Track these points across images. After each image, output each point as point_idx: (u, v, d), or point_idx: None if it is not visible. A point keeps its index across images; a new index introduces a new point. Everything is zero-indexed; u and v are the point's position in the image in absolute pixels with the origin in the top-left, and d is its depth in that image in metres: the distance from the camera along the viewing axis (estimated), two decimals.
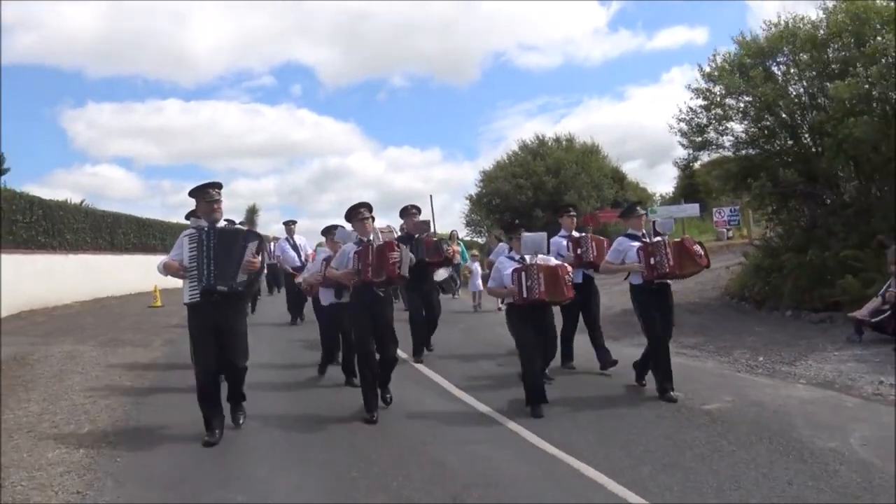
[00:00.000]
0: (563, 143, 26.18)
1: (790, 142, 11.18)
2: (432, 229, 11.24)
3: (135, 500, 3.90)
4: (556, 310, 6.55)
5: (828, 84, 9.72)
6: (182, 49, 64.82)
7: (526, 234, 6.00)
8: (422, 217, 8.77)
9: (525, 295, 5.68)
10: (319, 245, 9.54)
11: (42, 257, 15.74)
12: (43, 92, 59.68)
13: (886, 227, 9.32)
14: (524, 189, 24.01)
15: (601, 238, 7.54)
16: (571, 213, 7.82)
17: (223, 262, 4.98)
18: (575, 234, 7.59)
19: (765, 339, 8.82)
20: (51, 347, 9.42)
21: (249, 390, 5.79)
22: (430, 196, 20.88)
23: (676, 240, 6.19)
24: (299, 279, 9.15)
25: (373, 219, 6.04)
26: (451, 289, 13.56)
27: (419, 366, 7.82)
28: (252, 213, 52.18)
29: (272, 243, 13.15)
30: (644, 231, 6.42)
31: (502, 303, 6.66)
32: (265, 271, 5.78)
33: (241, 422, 5.39)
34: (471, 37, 67.23)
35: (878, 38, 9.22)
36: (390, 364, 5.90)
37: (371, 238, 5.90)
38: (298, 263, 10.68)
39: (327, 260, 6.93)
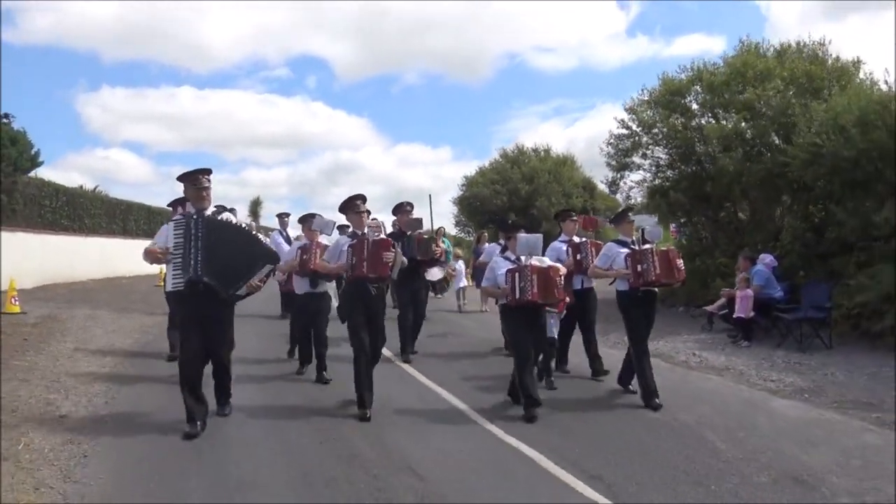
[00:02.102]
0: (541, 153, 28.36)
1: (694, 168, 13.40)
2: (427, 227, 11.17)
3: (142, 396, 6.14)
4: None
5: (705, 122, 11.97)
6: (198, 37, 66.15)
7: (521, 235, 5.99)
8: (416, 215, 8.60)
9: (517, 296, 5.66)
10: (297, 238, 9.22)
11: (64, 238, 18.04)
12: (58, 74, 61.29)
13: (751, 241, 11.52)
14: (500, 194, 26.24)
15: (600, 244, 7.26)
16: (573, 218, 7.72)
17: (214, 254, 4.89)
18: (576, 239, 7.48)
19: None
20: (74, 311, 11.72)
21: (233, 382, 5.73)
22: (430, 196, 22.74)
23: (663, 248, 6.33)
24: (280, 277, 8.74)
25: (368, 212, 6.02)
26: (444, 289, 12.98)
27: (404, 364, 7.84)
28: (256, 205, 54.12)
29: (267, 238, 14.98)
30: (633, 238, 6.44)
31: (496, 302, 6.74)
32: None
33: (227, 412, 5.37)
34: (486, 36, 67.59)
35: (750, 89, 11.40)
36: (376, 358, 5.85)
37: (366, 232, 5.83)
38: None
39: (303, 248, 6.92)
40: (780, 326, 9.36)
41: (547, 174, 26.17)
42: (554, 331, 6.93)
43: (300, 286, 7.12)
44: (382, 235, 6.03)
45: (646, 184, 14.63)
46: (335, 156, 73.82)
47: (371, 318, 5.74)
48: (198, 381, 5.04)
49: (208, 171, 5.13)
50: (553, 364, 7.07)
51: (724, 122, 11.95)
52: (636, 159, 14.34)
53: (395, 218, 8.72)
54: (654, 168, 14.35)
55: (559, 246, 7.43)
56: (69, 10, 60.69)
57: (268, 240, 6.19)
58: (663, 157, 14.06)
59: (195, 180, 5.02)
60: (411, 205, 8.51)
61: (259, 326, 10.46)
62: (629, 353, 6.48)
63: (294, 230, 11.14)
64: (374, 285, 5.72)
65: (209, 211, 5.07)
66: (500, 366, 7.51)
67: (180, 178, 5.10)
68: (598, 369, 7.30)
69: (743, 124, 11.92)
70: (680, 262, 6.21)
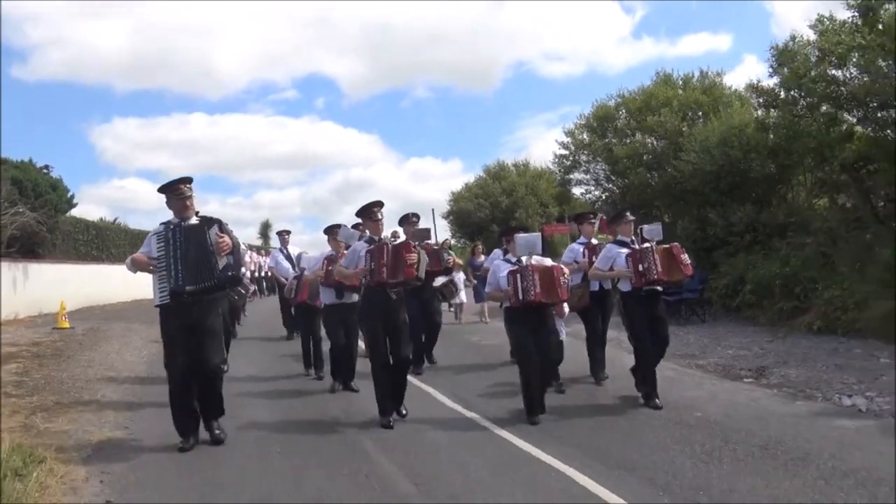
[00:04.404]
0: (521, 167, 30.87)
1: (623, 180, 15.87)
2: (433, 239, 11.17)
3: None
4: (578, 320, 7.38)
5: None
6: (207, 64, 67.10)
7: (519, 235, 5.95)
8: (423, 227, 8.35)
9: (521, 297, 5.62)
10: (302, 253, 9.73)
11: (94, 267, 20.74)
12: (71, 108, 63.25)
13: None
14: (483, 208, 28.77)
15: None
16: (592, 221, 7.78)
17: (192, 260, 4.87)
18: (593, 241, 7.46)
19: None
20: (112, 325, 14.32)
21: (241, 399, 6.27)
22: (433, 210, 24.77)
23: (665, 246, 6.23)
24: (287, 289, 8.97)
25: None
26: (453, 293, 12.07)
27: (412, 378, 7.31)
28: (266, 227, 56.65)
29: (268, 255, 17.26)
30: (632, 238, 6.42)
31: (500, 307, 6.39)
32: (241, 248, 5.43)
33: (221, 437, 5.07)
34: (493, 46, 66.95)
35: (655, 116, 13.86)
36: (403, 366, 5.74)
37: (383, 237, 5.83)
38: (293, 274, 9.65)
39: (329, 258, 6.92)
40: (670, 307, 11.76)
41: (524, 188, 28.64)
42: (563, 333, 6.94)
43: (326, 297, 7.10)
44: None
45: (588, 196, 17.16)
46: (346, 174, 74.93)
47: (393, 325, 5.67)
48: (190, 395, 5.04)
49: (189, 180, 5.12)
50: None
51: (636, 143, 14.40)
52: (577, 175, 16.88)
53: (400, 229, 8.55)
54: (593, 182, 16.91)
55: (576, 248, 7.44)
56: (79, 45, 63.13)
57: (248, 252, 6.62)
58: (601, 172, 16.59)
59: (176, 190, 4.99)
60: (417, 216, 8.40)
61: (262, 348, 10.68)
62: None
63: (294, 248, 11.03)
64: (394, 291, 5.65)
65: (193, 220, 5.04)
66: (508, 374, 7.50)
67: (161, 190, 5.06)
68: (598, 375, 7.25)
69: (656, 143, 14.42)
70: (685, 256, 6.18)
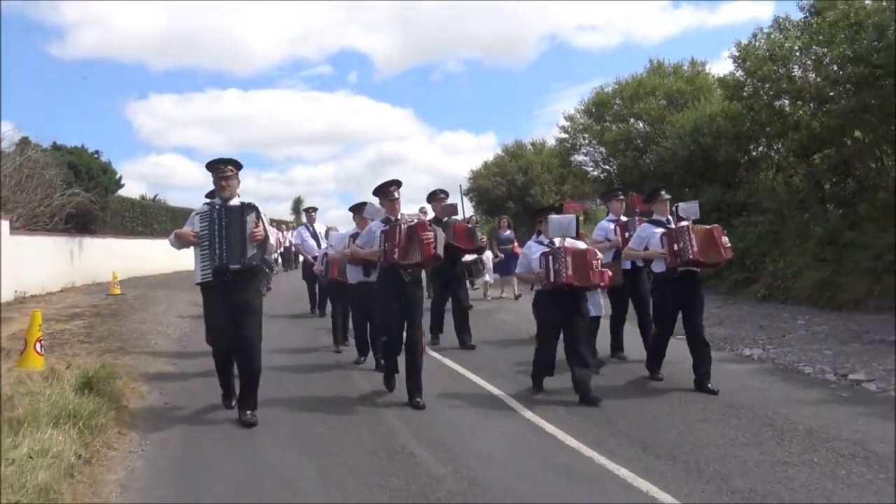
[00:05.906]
0: (538, 146, 32.02)
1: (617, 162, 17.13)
2: (461, 215, 12.53)
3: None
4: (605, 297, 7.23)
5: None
6: (240, 40, 67.87)
7: (553, 217, 5.83)
8: (450, 202, 8.53)
9: (552, 279, 5.53)
10: (330, 229, 9.65)
11: (140, 241, 22.83)
12: (107, 86, 64.95)
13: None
14: (500, 185, 30.09)
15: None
16: (621, 198, 7.55)
17: (233, 240, 4.97)
18: (623, 218, 7.29)
19: None
20: (157, 292, 16.26)
21: (267, 372, 5.91)
22: (460, 185, 25.78)
23: (707, 227, 6.00)
24: (318, 268, 9.13)
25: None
26: (480, 272, 12.45)
27: (433, 353, 7.78)
28: (298, 203, 58.47)
29: (293, 231, 18.88)
30: (668, 217, 6.25)
31: (531, 288, 6.16)
32: (270, 240, 5.40)
33: (253, 420, 5.08)
34: (526, 18, 65.68)
35: (641, 104, 15.08)
36: (415, 349, 5.66)
37: (399, 217, 5.75)
38: (318, 252, 9.97)
39: (354, 236, 6.93)
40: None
41: (540, 166, 29.83)
42: (601, 305, 7.11)
43: (353, 275, 7.13)
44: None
45: (589, 177, 18.46)
46: (379, 148, 75.07)
47: (406, 306, 5.63)
48: (231, 367, 5.37)
49: (234, 163, 5.21)
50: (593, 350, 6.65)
51: (627, 128, 15.66)
52: (578, 157, 18.20)
53: (429, 206, 8.80)
54: (593, 164, 18.21)
55: (606, 225, 7.33)
56: (115, 23, 64.60)
57: (275, 231, 6.96)
58: (598, 155, 17.89)
59: (216, 169, 5.14)
60: (445, 192, 8.48)
61: (288, 323, 10.79)
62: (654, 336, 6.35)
63: (320, 225, 11.20)
64: (407, 272, 5.62)
65: (235, 202, 5.15)
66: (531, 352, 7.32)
67: (208, 167, 5.23)
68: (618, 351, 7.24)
69: (647, 128, 15.64)
70: (725, 238, 5.93)
